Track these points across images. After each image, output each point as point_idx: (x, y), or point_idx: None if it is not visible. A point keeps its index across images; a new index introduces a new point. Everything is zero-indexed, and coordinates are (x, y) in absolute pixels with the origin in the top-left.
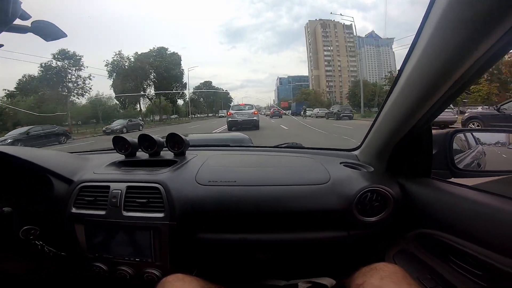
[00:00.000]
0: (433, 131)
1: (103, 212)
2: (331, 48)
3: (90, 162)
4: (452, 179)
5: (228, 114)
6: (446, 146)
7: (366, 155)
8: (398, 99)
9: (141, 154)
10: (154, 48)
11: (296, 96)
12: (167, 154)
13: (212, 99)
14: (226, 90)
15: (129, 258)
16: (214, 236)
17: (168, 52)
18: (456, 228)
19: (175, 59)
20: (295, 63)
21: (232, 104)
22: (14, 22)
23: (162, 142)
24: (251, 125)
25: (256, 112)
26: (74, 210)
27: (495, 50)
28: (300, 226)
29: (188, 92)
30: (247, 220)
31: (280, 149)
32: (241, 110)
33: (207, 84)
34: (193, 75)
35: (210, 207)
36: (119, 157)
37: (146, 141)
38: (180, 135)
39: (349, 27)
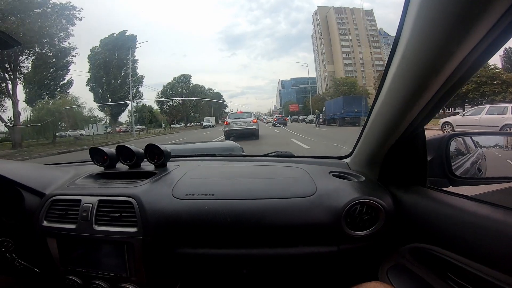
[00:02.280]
0: (428, 136)
1: (73, 226)
2: (350, 38)
3: (67, 174)
4: (450, 188)
5: (225, 123)
6: (443, 152)
7: (357, 164)
8: (386, 101)
9: (122, 166)
10: None
11: (330, 88)
12: (148, 165)
13: (195, 104)
14: (217, 92)
15: (103, 272)
16: (193, 251)
17: None
18: (454, 243)
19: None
20: (295, 68)
21: (229, 112)
22: None
23: (141, 153)
24: (250, 135)
25: (255, 120)
26: (45, 223)
27: (487, 44)
28: (285, 241)
29: (130, 88)
30: (227, 234)
31: (269, 158)
32: (239, 118)
33: (185, 80)
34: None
35: (186, 222)
36: (99, 169)
37: (124, 153)
38: (159, 145)
39: (370, 13)
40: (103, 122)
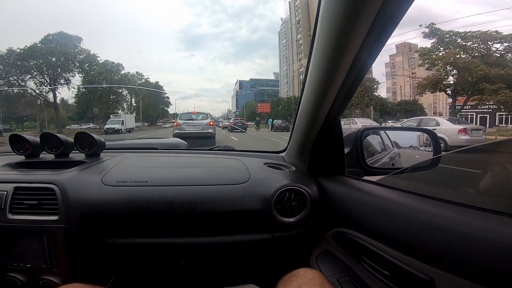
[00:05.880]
0: (347, 132)
1: None
2: None
3: None
4: (365, 178)
5: (175, 124)
6: (357, 145)
7: (290, 156)
8: (306, 98)
9: (47, 156)
10: None
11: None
12: (78, 155)
13: (96, 94)
14: (151, 81)
15: (18, 264)
16: (127, 241)
17: None
18: (364, 226)
19: None
20: (252, 74)
21: (179, 112)
22: None
23: (70, 142)
24: (204, 139)
25: (212, 123)
26: None
27: (374, 38)
28: (221, 229)
29: None
30: (161, 223)
31: (212, 151)
32: (192, 120)
33: (63, 44)
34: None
35: (118, 209)
36: (19, 158)
37: (50, 141)
38: (92, 134)
39: None
40: None
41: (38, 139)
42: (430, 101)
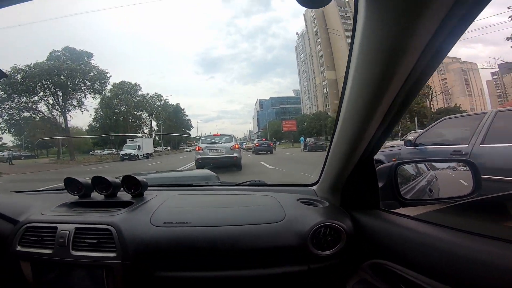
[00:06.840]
0: (380, 165)
1: (49, 251)
2: None
3: (38, 202)
4: (401, 209)
5: (197, 149)
6: (392, 178)
7: (322, 190)
8: (341, 135)
9: (97, 195)
10: None
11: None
12: (124, 195)
13: (112, 117)
14: (172, 103)
15: None
16: (172, 274)
17: None
18: (402, 258)
19: None
20: (270, 93)
21: (201, 135)
22: None
23: (118, 183)
24: (229, 165)
25: (237, 146)
26: (19, 248)
27: (416, 75)
28: (259, 263)
29: None
30: (204, 258)
31: (243, 187)
32: (215, 143)
33: (74, 59)
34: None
35: (166, 248)
36: (72, 197)
37: (100, 183)
38: (136, 177)
39: None
40: None
41: (90, 181)
42: (467, 107)
